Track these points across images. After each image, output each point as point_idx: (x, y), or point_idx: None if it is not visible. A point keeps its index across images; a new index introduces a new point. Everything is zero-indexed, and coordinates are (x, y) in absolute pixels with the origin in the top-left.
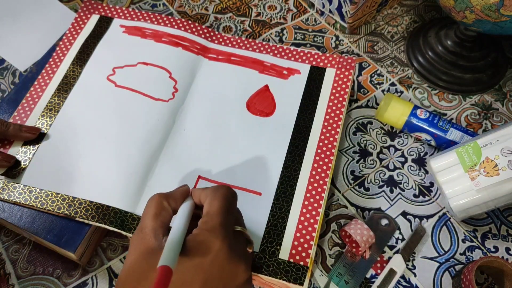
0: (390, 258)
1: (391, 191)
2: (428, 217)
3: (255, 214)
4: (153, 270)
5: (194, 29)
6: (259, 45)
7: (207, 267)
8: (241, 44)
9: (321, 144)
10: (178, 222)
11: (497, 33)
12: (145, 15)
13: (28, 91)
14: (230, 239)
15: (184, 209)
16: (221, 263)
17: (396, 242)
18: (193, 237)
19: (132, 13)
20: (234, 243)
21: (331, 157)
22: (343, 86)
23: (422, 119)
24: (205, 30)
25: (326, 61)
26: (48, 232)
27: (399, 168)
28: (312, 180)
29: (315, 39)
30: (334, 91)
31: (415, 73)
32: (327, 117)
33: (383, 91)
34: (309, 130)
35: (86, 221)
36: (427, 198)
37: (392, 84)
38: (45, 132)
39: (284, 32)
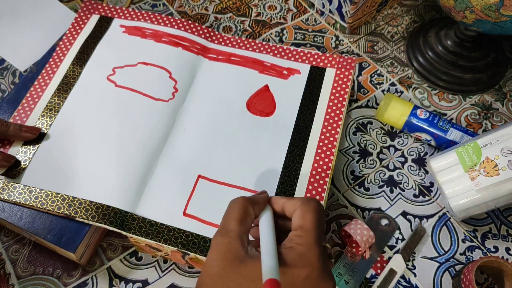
0: (390, 258)
1: (391, 191)
2: (428, 217)
3: None
4: (244, 279)
5: (194, 29)
6: (259, 45)
7: (301, 283)
8: (241, 44)
9: (321, 144)
10: (268, 233)
11: (497, 33)
12: (145, 15)
13: (28, 91)
14: (323, 257)
15: (269, 219)
16: (314, 281)
17: (396, 242)
18: (288, 250)
19: (132, 13)
20: (324, 260)
21: (331, 157)
22: (343, 86)
23: (422, 119)
24: (205, 30)
25: (326, 61)
26: (48, 232)
27: (399, 168)
28: (312, 180)
29: (315, 39)
30: (334, 91)
31: (415, 73)
32: (327, 117)
33: (383, 91)
34: (309, 130)
35: (86, 221)
36: (427, 198)
37: (392, 84)
38: (45, 132)
39: (284, 32)
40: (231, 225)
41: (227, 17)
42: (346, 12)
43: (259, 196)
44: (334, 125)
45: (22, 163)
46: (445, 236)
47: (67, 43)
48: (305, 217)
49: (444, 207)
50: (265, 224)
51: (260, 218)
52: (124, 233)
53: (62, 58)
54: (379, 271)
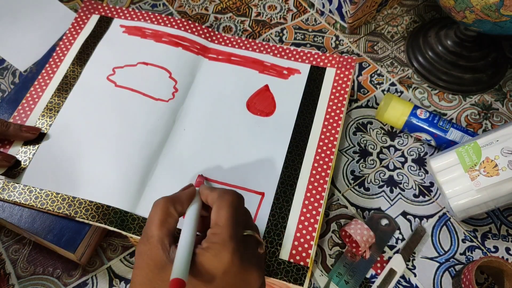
0: (390, 258)
1: (391, 191)
2: (428, 217)
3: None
4: (165, 285)
5: (194, 29)
6: (259, 45)
7: (219, 282)
8: (241, 44)
9: (321, 144)
10: (186, 231)
11: (497, 33)
12: (145, 15)
13: (28, 91)
14: (240, 250)
15: (191, 215)
16: (233, 277)
17: (396, 242)
18: (203, 251)
19: (132, 13)
20: (244, 252)
21: (331, 157)
22: (343, 86)
23: (422, 119)
24: (205, 30)
25: (326, 61)
26: (48, 232)
27: (399, 168)
28: (312, 180)
29: (315, 39)
30: (334, 91)
31: (415, 73)
32: (327, 117)
33: (383, 91)
34: (309, 130)
35: (86, 221)
36: (427, 198)
37: (392, 84)
38: (45, 132)
39: (284, 32)
40: (151, 231)
41: (227, 17)
42: (346, 12)
43: (181, 193)
44: (334, 124)
45: (22, 163)
46: (445, 236)
47: (67, 43)
48: (219, 213)
49: (444, 207)
50: (187, 222)
51: (185, 214)
52: (124, 233)
53: (62, 58)
54: (379, 271)
